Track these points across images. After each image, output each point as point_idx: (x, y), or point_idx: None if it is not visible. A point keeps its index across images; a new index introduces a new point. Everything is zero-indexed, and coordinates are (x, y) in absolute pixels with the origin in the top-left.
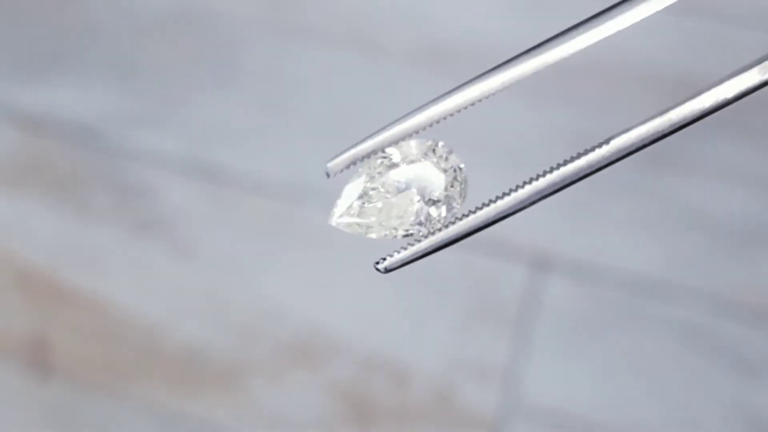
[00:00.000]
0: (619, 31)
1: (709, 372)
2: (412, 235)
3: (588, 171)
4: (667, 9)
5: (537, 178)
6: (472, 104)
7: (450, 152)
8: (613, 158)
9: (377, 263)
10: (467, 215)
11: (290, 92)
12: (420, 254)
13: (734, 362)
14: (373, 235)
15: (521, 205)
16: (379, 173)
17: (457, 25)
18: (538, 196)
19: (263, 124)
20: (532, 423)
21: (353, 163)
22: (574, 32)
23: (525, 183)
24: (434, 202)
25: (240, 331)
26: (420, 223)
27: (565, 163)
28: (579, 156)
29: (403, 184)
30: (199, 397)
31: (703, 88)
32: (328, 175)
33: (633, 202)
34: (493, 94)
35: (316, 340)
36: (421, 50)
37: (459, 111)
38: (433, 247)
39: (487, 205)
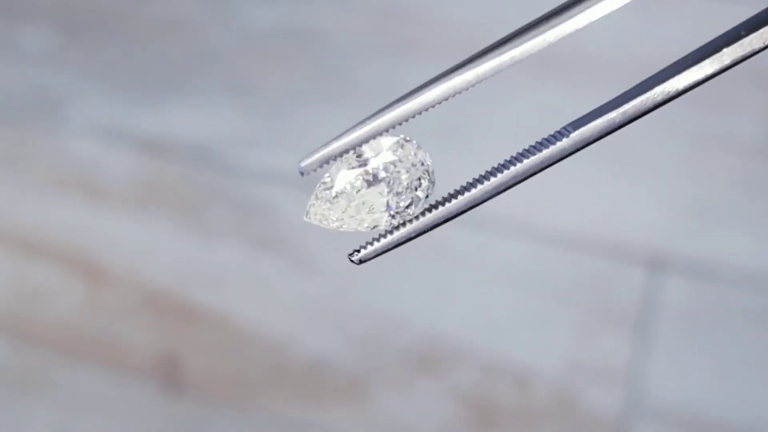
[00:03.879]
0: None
1: None
2: (379, 227)
3: (550, 162)
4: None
5: (501, 170)
6: (453, 96)
7: (418, 148)
8: (575, 149)
9: (351, 255)
10: (435, 206)
11: None
12: (393, 245)
13: None
14: (346, 229)
15: (488, 195)
16: (351, 169)
17: None
18: (503, 188)
19: None
20: (656, 423)
21: (326, 162)
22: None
23: (489, 174)
24: (403, 195)
25: (363, 341)
26: (391, 216)
27: (527, 154)
28: (540, 147)
29: (372, 177)
30: (325, 409)
31: (656, 79)
32: (302, 173)
33: (746, 198)
34: (473, 86)
35: (438, 348)
36: (530, 57)
37: (434, 106)
38: (405, 238)
39: (454, 197)
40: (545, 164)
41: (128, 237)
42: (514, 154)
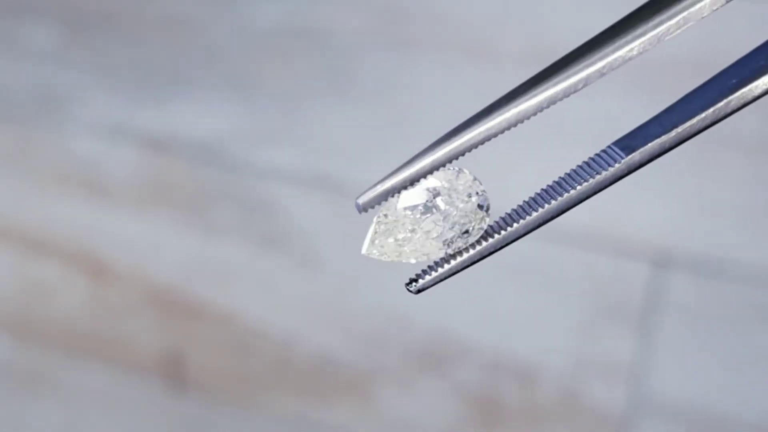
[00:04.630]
0: None
1: None
2: (436, 256)
3: (603, 186)
4: None
5: (554, 196)
6: (508, 129)
7: (474, 179)
8: (628, 172)
9: (408, 284)
10: (491, 234)
11: (406, 103)
12: (449, 273)
13: None
14: (403, 260)
15: (542, 221)
16: (407, 201)
17: (569, 28)
18: (557, 213)
19: (381, 135)
20: (660, 419)
21: (385, 198)
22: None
23: (542, 200)
24: (459, 225)
25: (367, 339)
26: (447, 245)
27: (580, 179)
28: (592, 171)
29: (428, 208)
30: (329, 407)
31: (708, 97)
32: (359, 211)
33: (751, 195)
34: (528, 119)
35: (442, 345)
36: (534, 55)
37: (490, 139)
38: (462, 266)
39: (509, 224)
40: (598, 188)
41: (132, 234)
42: (563, 176)
